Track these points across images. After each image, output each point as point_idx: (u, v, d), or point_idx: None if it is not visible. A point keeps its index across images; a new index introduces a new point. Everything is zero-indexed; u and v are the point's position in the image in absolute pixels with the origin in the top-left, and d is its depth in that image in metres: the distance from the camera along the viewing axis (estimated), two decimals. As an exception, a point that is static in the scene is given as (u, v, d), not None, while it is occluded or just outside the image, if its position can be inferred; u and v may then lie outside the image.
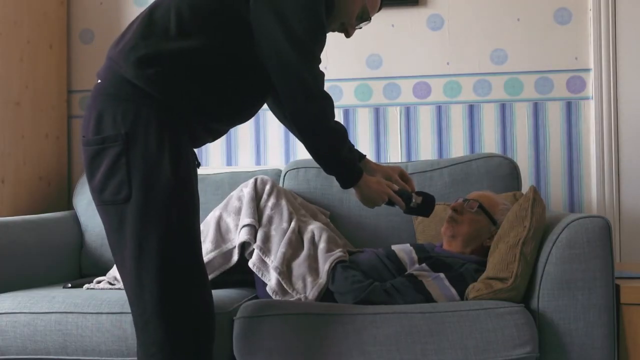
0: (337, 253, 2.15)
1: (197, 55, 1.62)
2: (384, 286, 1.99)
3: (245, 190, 2.36)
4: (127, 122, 1.57)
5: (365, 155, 1.98)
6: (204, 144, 1.79)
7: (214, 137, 1.80)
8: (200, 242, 1.67)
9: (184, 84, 1.61)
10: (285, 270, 2.12)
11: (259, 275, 2.14)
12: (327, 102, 1.71)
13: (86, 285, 2.29)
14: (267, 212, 2.29)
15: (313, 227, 2.27)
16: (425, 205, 1.97)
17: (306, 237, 2.23)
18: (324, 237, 2.23)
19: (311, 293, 2.06)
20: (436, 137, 2.87)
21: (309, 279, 2.10)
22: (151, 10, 1.66)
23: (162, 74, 1.59)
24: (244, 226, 2.22)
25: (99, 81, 1.66)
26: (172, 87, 1.60)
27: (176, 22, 1.60)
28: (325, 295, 2.07)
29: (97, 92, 1.64)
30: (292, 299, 2.06)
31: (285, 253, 2.15)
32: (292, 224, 2.26)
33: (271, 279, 2.10)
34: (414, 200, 1.96)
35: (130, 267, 1.59)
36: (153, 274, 1.57)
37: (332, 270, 2.08)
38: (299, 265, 2.15)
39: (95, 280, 2.31)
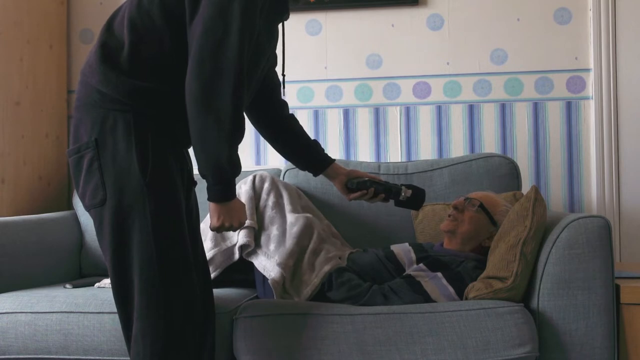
0: (334, 260, 2.13)
1: (153, 57, 1.62)
2: (382, 289, 1.99)
3: (244, 187, 2.34)
4: (97, 128, 1.62)
5: (334, 160, 2.05)
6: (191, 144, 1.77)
7: None
8: (186, 241, 1.66)
9: (146, 86, 1.62)
10: (291, 266, 2.11)
11: (264, 274, 2.14)
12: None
13: (97, 284, 2.29)
14: (268, 212, 2.28)
15: (313, 233, 2.25)
16: (415, 198, 1.98)
17: (307, 240, 2.22)
18: (322, 244, 2.23)
19: (303, 294, 2.06)
20: (436, 137, 2.87)
21: (304, 279, 2.10)
22: (110, 20, 1.70)
23: (124, 77, 1.61)
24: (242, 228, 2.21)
25: (77, 96, 1.70)
26: (135, 90, 1.61)
27: (129, 28, 1.63)
28: (318, 296, 2.06)
29: (75, 106, 1.70)
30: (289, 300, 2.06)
31: (289, 249, 2.15)
32: (293, 221, 2.25)
33: (276, 274, 2.09)
34: (403, 194, 1.97)
35: (111, 267, 1.63)
36: (131, 273, 1.61)
37: (328, 277, 2.08)
38: (298, 266, 2.14)
39: (104, 281, 2.31)
